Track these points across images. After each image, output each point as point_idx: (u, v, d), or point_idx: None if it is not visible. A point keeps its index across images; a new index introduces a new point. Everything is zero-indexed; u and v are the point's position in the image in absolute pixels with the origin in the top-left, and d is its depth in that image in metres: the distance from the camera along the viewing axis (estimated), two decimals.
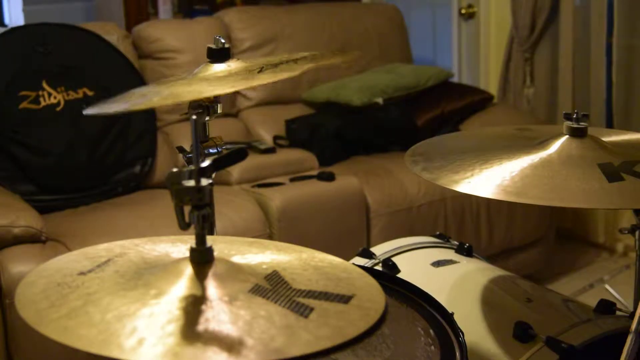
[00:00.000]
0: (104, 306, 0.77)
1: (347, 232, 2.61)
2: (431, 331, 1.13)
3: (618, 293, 1.89)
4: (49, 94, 2.58)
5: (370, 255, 1.53)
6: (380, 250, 1.56)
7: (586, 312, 1.31)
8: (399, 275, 1.39)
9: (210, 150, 1.29)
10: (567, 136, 1.28)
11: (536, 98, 3.52)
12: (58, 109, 2.59)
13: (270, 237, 2.45)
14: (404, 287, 1.24)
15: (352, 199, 2.64)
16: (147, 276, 0.82)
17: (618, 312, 1.32)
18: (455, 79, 3.62)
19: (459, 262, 1.50)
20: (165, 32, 3.07)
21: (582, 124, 1.29)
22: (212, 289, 0.79)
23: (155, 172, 2.79)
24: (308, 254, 0.94)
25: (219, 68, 1.22)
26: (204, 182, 0.80)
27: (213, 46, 1.24)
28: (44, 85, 2.58)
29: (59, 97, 2.59)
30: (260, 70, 1.15)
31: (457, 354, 1.07)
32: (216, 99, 1.22)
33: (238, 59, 1.25)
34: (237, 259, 0.89)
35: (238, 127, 3.08)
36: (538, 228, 3.04)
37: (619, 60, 3.14)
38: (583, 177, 1.17)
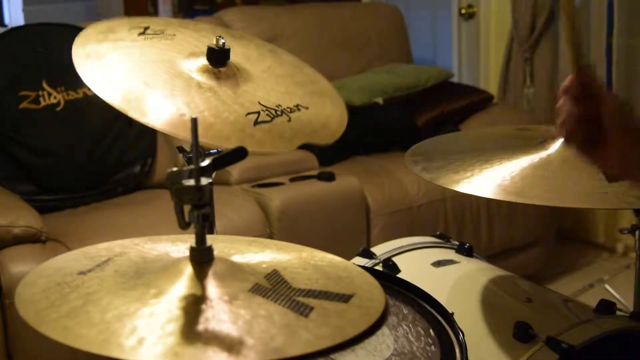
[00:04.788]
0: (104, 306, 0.77)
1: (347, 232, 2.61)
2: (431, 331, 1.13)
3: (618, 293, 1.89)
4: (49, 94, 2.58)
5: (370, 255, 1.53)
6: (380, 250, 1.56)
7: (586, 312, 1.31)
8: (399, 275, 1.39)
9: (210, 150, 1.29)
10: None
11: (536, 98, 3.52)
12: (58, 109, 2.58)
13: (270, 237, 2.45)
14: (404, 287, 1.24)
15: (352, 199, 2.64)
16: (147, 275, 0.82)
17: (618, 312, 1.32)
18: (455, 79, 3.62)
19: (459, 262, 1.50)
20: None
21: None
22: (212, 288, 0.79)
23: (155, 172, 2.78)
24: (308, 253, 0.94)
25: (209, 81, 1.21)
26: (204, 181, 0.80)
27: (213, 46, 1.23)
28: (44, 85, 2.58)
29: (59, 97, 2.59)
30: (256, 121, 1.14)
31: (457, 354, 1.07)
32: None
33: (229, 75, 1.24)
34: (237, 258, 0.89)
35: None
36: (538, 228, 3.04)
37: (619, 60, 3.14)
38: (583, 177, 1.17)
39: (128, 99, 1.13)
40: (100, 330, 0.72)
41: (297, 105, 1.22)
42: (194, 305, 0.76)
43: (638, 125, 1.00)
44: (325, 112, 1.27)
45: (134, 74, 1.18)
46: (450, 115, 3.14)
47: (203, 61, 1.24)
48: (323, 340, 0.73)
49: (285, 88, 1.28)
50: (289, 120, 1.19)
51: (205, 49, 1.24)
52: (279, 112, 1.19)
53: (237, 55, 1.26)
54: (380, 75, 3.23)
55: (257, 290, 0.80)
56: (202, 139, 1.09)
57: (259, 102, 1.19)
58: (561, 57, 3.37)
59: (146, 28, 1.29)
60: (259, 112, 1.17)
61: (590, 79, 1.00)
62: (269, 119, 1.17)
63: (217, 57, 1.23)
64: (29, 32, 2.69)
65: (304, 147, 2.88)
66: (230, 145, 1.09)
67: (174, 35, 1.30)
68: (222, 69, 1.23)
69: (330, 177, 2.67)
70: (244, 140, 1.12)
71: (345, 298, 0.81)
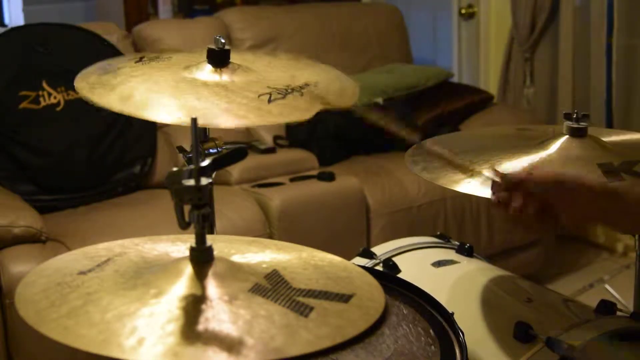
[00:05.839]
0: (104, 306, 0.77)
1: (347, 232, 2.61)
2: (431, 331, 1.13)
3: (618, 293, 1.89)
4: (49, 94, 2.58)
5: (370, 256, 1.53)
6: (380, 250, 1.56)
7: (586, 312, 1.31)
8: (399, 275, 1.39)
9: (210, 150, 1.29)
10: (567, 136, 1.28)
11: (536, 98, 3.52)
12: (58, 109, 2.58)
13: (271, 237, 2.45)
14: (404, 287, 1.24)
15: (352, 199, 2.64)
16: (147, 276, 0.82)
17: (618, 312, 1.32)
18: (455, 79, 3.62)
19: (459, 262, 1.50)
20: (165, 32, 3.07)
21: (582, 124, 1.29)
22: (212, 288, 0.79)
23: (155, 172, 2.78)
24: (308, 253, 0.94)
25: (216, 77, 1.22)
26: (204, 181, 0.80)
27: (213, 47, 1.23)
28: (44, 85, 2.57)
29: (59, 97, 2.59)
30: (269, 100, 1.16)
31: (457, 354, 1.07)
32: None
33: (234, 68, 1.25)
34: (236, 258, 0.89)
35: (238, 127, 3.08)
36: (538, 228, 3.04)
37: (618, 60, 3.14)
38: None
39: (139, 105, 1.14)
40: (100, 330, 0.72)
41: (305, 84, 1.24)
42: (194, 305, 0.76)
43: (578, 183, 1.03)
44: (336, 84, 1.29)
45: (139, 85, 1.19)
46: (450, 115, 3.14)
47: (204, 66, 1.24)
48: (323, 340, 0.73)
49: (290, 73, 1.28)
50: (302, 95, 1.20)
51: (202, 61, 1.25)
52: (289, 91, 1.20)
53: (235, 59, 1.27)
54: (380, 75, 3.23)
55: (257, 290, 0.80)
56: (221, 123, 1.10)
57: (267, 86, 1.20)
58: (561, 57, 3.37)
59: (142, 57, 1.31)
60: (270, 94, 1.18)
61: (506, 178, 1.06)
62: (281, 96, 1.18)
63: (218, 58, 1.24)
64: (29, 32, 2.68)
65: (304, 146, 2.90)
66: (251, 122, 1.10)
67: (170, 57, 1.31)
68: (224, 69, 1.24)
69: (330, 177, 2.67)
70: (261, 116, 1.13)
71: (345, 298, 0.81)
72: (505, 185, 1.06)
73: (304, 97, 1.19)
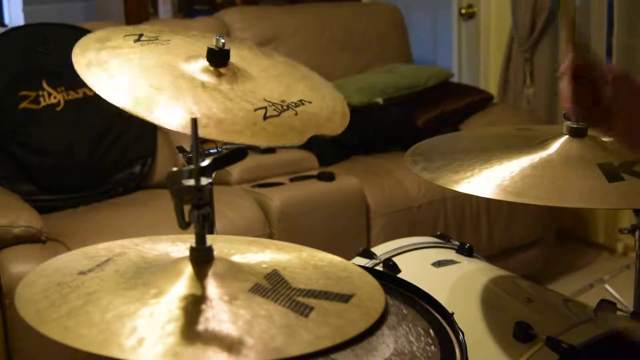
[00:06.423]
0: (104, 306, 0.76)
1: (347, 232, 2.61)
2: (431, 331, 1.13)
3: (618, 293, 1.89)
4: (49, 94, 2.58)
5: (370, 256, 1.53)
6: (381, 250, 1.56)
7: (586, 312, 1.31)
8: (399, 275, 1.39)
9: (210, 150, 1.29)
10: (567, 136, 1.28)
11: (536, 98, 3.52)
12: (58, 109, 2.58)
13: (270, 237, 2.45)
14: (404, 287, 1.24)
15: (352, 199, 2.64)
16: (147, 276, 0.82)
17: (618, 312, 1.32)
18: (455, 79, 3.62)
19: (459, 262, 1.50)
20: None
21: (582, 124, 1.29)
22: (212, 288, 0.79)
23: (155, 172, 2.79)
24: (308, 253, 0.94)
25: (212, 81, 1.22)
26: (204, 181, 0.80)
27: (213, 47, 1.23)
28: (44, 85, 2.57)
29: (59, 97, 2.59)
30: (265, 116, 1.16)
31: (457, 354, 1.07)
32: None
33: (233, 70, 1.25)
34: (236, 258, 0.89)
35: None
36: (538, 228, 3.04)
37: (619, 60, 3.14)
38: (583, 177, 1.17)
39: (138, 103, 1.14)
40: (100, 330, 0.72)
41: (300, 100, 1.24)
42: (194, 305, 0.76)
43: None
44: (328, 105, 1.30)
45: (138, 78, 1.18)
46: (450, 115, 3.14)
47: (203, 62, 1.24)
48: (323, 340, 0.73)
49: (285, 85, 1.29)
50: (296, 114, 1.21)
51: (201, 52, 1.25)
52: (285, 107, 1.21)
53: (233, 57, 1.27)
54: (380, 75, 3.23)
55: (257, 290, 0.80)
56: (216, 135, 1.10)
57: (264, 99, 1.20)
58: (561, 57, 3.37)
59: (140, 35, 1.30)
60: (266, 108, 1.18)
61: (586, 61, 1.02)
62: (276, 113, 1.19)
63: (218, 58, 1.24)
64: (29, 32, 2.68)
65: (304, 147, 2.90)
66: (245, 139, 1.11)
67: (169, 40, 1.31)
68: (222, 70, 1.24)
69: (330, 177, 2.67)
70: (257, 133, 1.14)
71: (345, 298, 0.81)
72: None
73: (299, 117, 1.20)
